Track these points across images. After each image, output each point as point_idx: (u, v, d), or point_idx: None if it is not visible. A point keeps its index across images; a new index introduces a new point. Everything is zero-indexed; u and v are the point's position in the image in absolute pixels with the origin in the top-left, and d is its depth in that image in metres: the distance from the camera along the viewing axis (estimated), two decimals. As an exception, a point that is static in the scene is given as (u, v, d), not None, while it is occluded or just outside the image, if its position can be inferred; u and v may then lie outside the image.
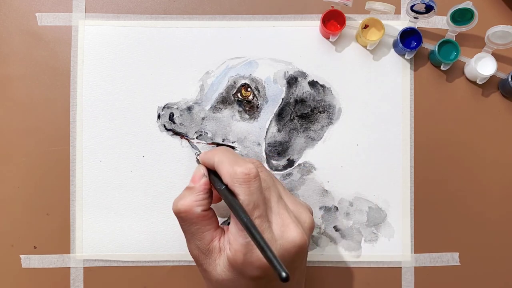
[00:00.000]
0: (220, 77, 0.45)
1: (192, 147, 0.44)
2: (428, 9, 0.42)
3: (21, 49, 0.45)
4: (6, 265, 0.44)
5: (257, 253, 0.29)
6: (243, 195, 0.30)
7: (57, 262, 0.44)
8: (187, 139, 0.44)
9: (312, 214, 0.35)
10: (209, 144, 0.44)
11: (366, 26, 0.44)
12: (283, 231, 0.31)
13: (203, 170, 0.34)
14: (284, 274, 0.25)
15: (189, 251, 0.34)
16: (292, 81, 0.45)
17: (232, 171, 0.30)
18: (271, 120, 0.44)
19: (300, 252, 0.31)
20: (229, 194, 0.31)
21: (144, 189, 0.44)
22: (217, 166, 0.33)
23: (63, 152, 0.44)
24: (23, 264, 0.44)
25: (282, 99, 0.45)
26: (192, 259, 0.33)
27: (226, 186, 0.32)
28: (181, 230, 0.34)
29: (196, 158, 0.41)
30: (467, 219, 0.45)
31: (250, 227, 0.28)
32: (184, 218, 0.32)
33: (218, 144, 0.44)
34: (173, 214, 0.32)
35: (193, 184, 0.34)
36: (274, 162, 0.44)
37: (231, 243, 0.30)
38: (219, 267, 0.31)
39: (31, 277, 0.44)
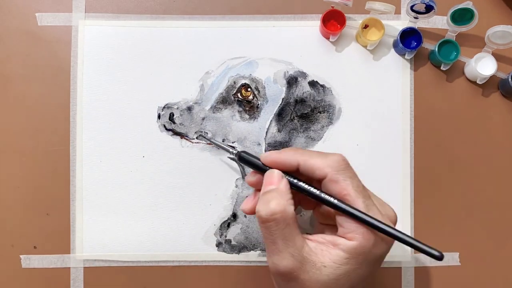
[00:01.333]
0: (220, 77, 0.45)
1: (223, 148, 0.42)
2: (428, 9, 0.42)
3: (21, 49, 0.45)
4: (6, 265, 0.44)
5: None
6: (350, 179, 0.30)
7: (57, 262, 0.44)
8: (214, 143, 0.44)
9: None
10: (209, 144, 0.44)
11: (366, 26, 0.44)
12: (384, 210, 0.32)
13: (280, 173, 0.32)
14: (438, 253, 0.28)
15: (277, 267, 0.30)
16: (292, 81, 0.45)
17: (331, 161, 0.30)
18: (271, 120, 0.44)
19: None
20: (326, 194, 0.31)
21: (144, 189, 0.44)
22: (304, 163, 0.31)
23: (63, 152, 0.44)
24: (23, 264, 0.44)
25: (282, 99, 0.45)
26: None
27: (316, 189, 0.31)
28: (265, 240, 0.31)
29: (235, 156, 0.38)
30: (467, 219, 0.45)
31: (365, 216, 0.29)
32: (278, 221, 0.29)
33: (218, 145, 0.44)
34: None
35: (274, 186, 0.31)
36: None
37: (353, 230, 0.29)
38: (326, 268, 0.29)
39: (31, 277, 0.44)
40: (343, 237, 0.30)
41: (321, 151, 0.33)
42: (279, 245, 0.29)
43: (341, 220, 0.30)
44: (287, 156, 0.32)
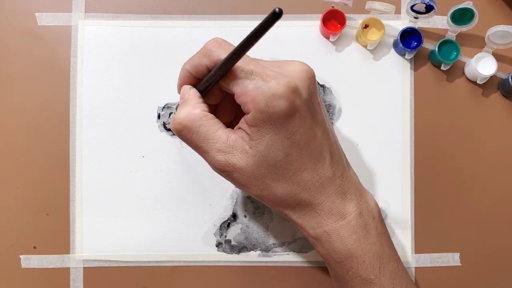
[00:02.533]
0: (220, 77, 0.45)
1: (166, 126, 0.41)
2: (428, 9, 0.42)
3: (21, 49, 0.45)
4: (5, 265, 0.44)
5: (272, 78, 0.28)
6: (223, 52, 0.31)
7: (56, 262, 0.44)
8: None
9: None
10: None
11: (366, 26, 0.44)
12: (283, 68, 0.31)
13: (185, 86, 0.33)
14: (276, 9, 0.25)
15: (213, 164, 0.30)
16: (292, 81, 0.45)
17: (203, 48, 0.32)
18: (271, 120, 0.44)
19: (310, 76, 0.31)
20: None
21: (144, 189, 0.44)
22: (190, 65, 0.32)
23: (63, 152, 0.44)
24: (23, 264, 0.44)
25: (282, 99, 0.44)
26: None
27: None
28: (193, 149, 0.31)
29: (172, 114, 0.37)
30: (467, 219, 0.45)
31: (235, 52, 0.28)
32: (188, 126, 0.30)
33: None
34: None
35: (182, 100, 0.32)
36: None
37: (245, 100, 0.28)
38: (252, 149, 0.29)
39: (30, 277, 0.44)
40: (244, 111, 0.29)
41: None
42: (203, 147, 0.30)
43: (234, 90, 0.29)
44: (191, 64, 0.32)
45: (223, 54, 0.29)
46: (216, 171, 0.31)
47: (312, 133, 0.30)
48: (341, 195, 0.31)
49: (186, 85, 0.33)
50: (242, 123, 0.30)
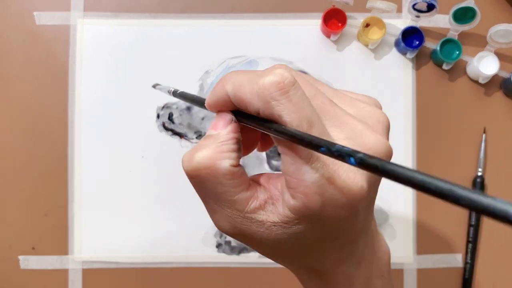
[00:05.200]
0: (220, 76, 0.44)
1: (162, 89, 0.32)
2: (430, 7, 0.42)
3: (19, 48, 0.45)
4: (4, 266, 0.44)
5: (342, 179, 0.21)
6: (286, 112, 0.20)
7: (55, 263, 0.44)
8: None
9: (381, 107, 0.25)
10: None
11: (367, 25, 0.44)
12: (357, 142, 0.22)
13: (230, 115, 0.23)
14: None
15: (218, 225, 0.24)
16: (292, 81, 0.44)
17: (258, 86, 0.20)
18: (271, 120, 0.44)
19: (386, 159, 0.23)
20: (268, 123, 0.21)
21: (143, 190, 0.44)
22: (234, 93, 0.21)
23: (61, 152, 0.44)
24: (21, 265, 0.44)
25: (283, 98, 0.44)
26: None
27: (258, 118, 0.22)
28: (201, 202, 0.24)
29: (172, 94, 0.30)
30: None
31: (314, 140, 0.19)
32: (204, 178, 0.22)
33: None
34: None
35: (215, 131, 0.23)
36: (274, 162, 0.44)
37: (294, 187, 0.21)
38: (276, 228, 0.22)
39: (29, 279, 0.44)
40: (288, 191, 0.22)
41: (259, 71, 0.22)
42: (210, 204, 0.23)
43: (284, 162, 0.21)
44: (217, 91, 0.23)
45: (287, 115, 0.20)
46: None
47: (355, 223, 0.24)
48: (356, 264, 0.26)
49: (226, 113, 0.23)
50: (280, 193, 0.22)
